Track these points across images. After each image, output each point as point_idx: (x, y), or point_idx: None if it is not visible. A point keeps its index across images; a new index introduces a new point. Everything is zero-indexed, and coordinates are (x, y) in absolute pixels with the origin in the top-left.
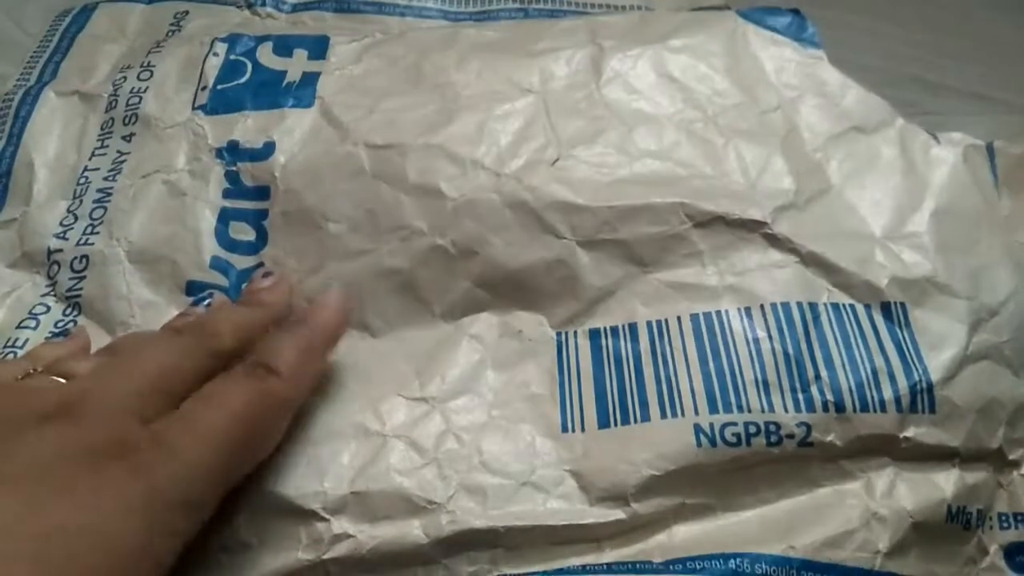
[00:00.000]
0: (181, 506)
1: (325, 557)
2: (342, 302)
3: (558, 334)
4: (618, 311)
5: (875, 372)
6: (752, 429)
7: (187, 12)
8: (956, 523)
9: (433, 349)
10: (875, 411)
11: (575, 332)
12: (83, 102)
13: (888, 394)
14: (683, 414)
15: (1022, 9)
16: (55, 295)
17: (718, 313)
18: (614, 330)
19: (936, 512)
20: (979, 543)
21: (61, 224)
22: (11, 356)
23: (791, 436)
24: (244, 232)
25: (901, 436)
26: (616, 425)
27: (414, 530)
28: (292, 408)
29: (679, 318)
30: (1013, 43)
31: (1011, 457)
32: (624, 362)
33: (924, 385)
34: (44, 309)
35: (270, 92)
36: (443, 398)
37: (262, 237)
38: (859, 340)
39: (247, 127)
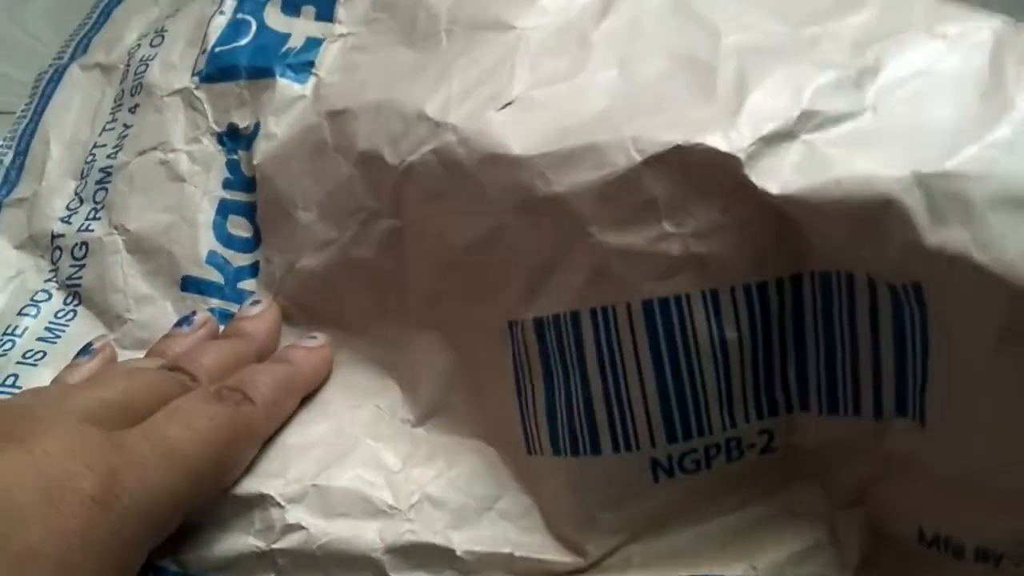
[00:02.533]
0: (144, 538)
1: (274, 547)
2: (328, 352)
3: (511, 327)
4: (560, 293)
5: (856, 369)
6: (712, 451)
7: None
8: (937, 549)
9: (413, 358)
10: (846, 414)
11: (521, 324)
12: (103, 75)
13: (867, 397)
14: (638, 448)
15: (1022, 9)
16: (56, 282)
17: (677, 300)
18: (556, 321)
19: (904, 531)
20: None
21: (67, 208)
22: (9, 344)
23: (752, 446)
24: (242, 228)
25: (875, 442)
26: (566, 455)
27: (370, 532)
28: (259, 440)
29: (628, 306)
30: None
31: None
32: (570, 370)
33: (916, 391)
34: (46, 296)
35: (267, 57)
36: (420, 417)
37: (258, 234)
38: (846, 327)
39: (243, 109)
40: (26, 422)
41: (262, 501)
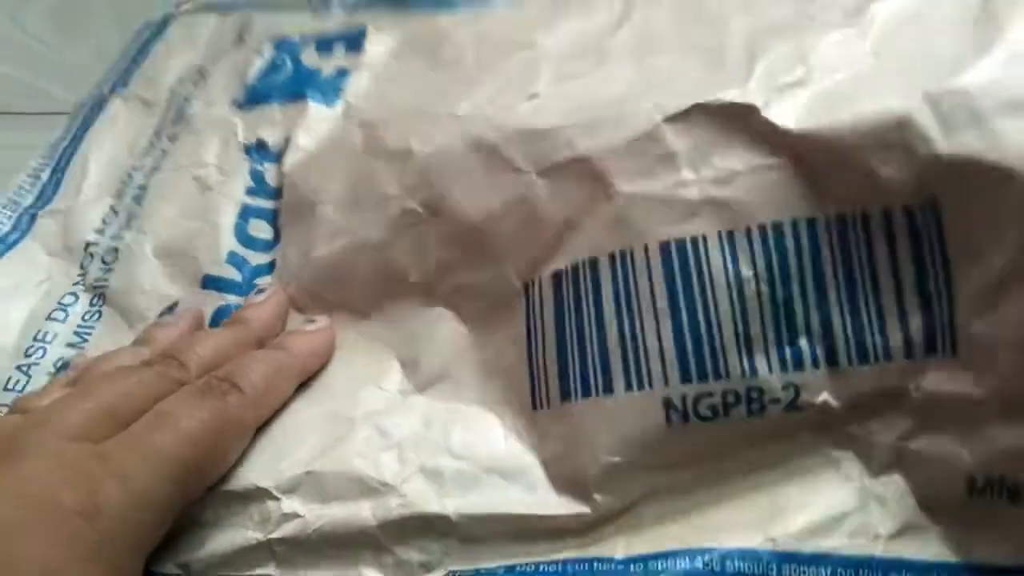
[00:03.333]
0: (133, 544)
1: (272, 536)
2: (328, 335)
3: (525, 286)
4: (581, 244)
5: (880, 309)
6: (731, 398)
7: (251, 22)
8: (991, 496)
9: (414, 331)
10: (878, 360)
11: (539, 280)
12: (143, 108)
13: (895, 338)
14: (651, 385)
15: None
16: (83, 285)
17: (694, 241)
18: (575, 270)
19: (952, 487)
20: None
21: (103, 221)
22: (40, 352)
23: (776, 401)
24: (262, 230)
25: (911, 387)
26: (577, 398)
27: (363, 512)
28: (248, 432)
29: (646, 247)
30: None
31: None
32: (585, 314)
33: (945, 319)
34: (73, 299)
35: (300, 84)
36: (420, 387)
37: (277, 235)
38: (866, 266)
39: (275, 128)
40: (11, 446)
41: (259, 494)
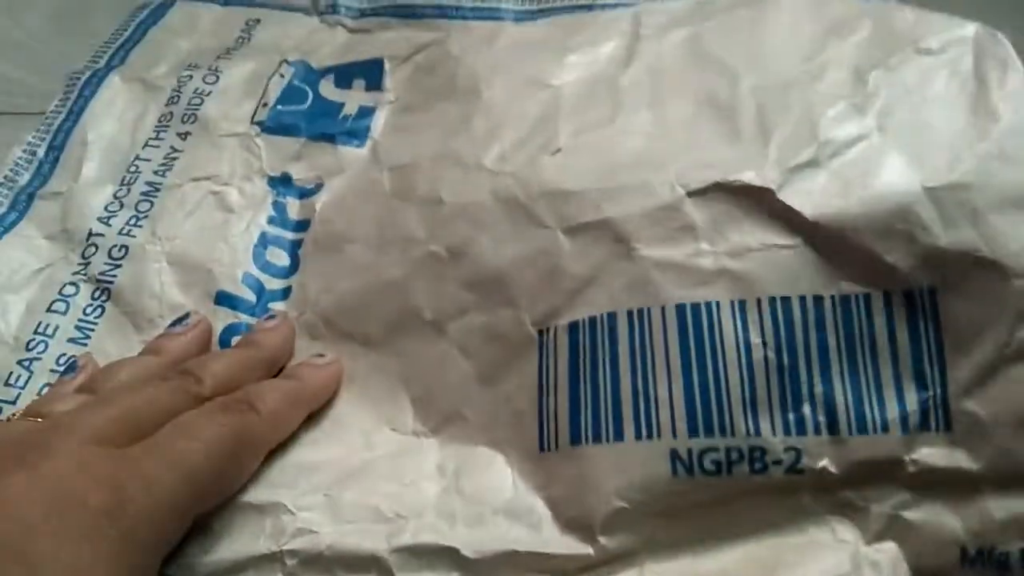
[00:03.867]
0: (153, 547)
1: (284, 548)
2: (337, 369)
3: (540, 333)
4: (599, 299)
5: (879, 384)
6: (735, 455)
7: (259, 20)
8: (983, 566)
9: (426, 366)
10: (876, 432)
11: (555, 329)
12: (146, 91)
13: (892, 412)
14: (659, 436)
15: (1022, 9)
16: (85, 276)
17: (708, 305)
18: (592, 322)
19: (944, 557)
20: None
21: (106, 209)
22: (42, 346)
23: (778, 463)
24: (279, 257)
25: (907, 460)
26: (588, 443)
27: (376, 536)
28: (263, 450)
29: (663, 308)
30: (1012, 43)
31: None
32: (600, 364)
33: (939, 398)
34: (74, 290)
35: (326, 123)
36: (432, 430)
37: (295, 264)
38: (866, 343)
39: (302, 165)
40: (36, 450)
41: (274, 509)
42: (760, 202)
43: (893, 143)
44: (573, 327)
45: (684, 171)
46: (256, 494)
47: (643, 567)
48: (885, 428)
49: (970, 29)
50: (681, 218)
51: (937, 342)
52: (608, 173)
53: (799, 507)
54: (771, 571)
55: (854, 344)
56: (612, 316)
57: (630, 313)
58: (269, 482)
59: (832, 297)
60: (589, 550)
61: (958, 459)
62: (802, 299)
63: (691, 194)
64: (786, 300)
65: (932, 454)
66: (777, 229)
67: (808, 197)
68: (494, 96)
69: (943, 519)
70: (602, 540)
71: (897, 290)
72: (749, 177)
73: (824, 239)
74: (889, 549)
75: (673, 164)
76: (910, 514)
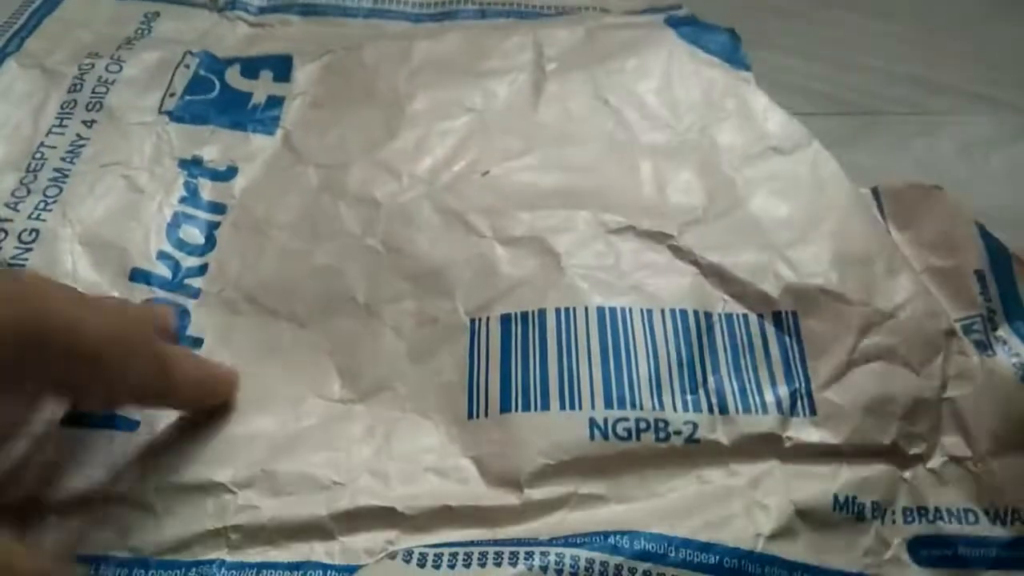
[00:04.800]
0: None
1: (227, 524)
2: (234, 381)
3: (472, 321)
4: (531, 297)
5: (758, 379)
6: (642, 424)
7: (158, 13)
8: (845, 512)
9: (356, 342)
10: (757, 413)
11: (487, 318)
12: (45, 77)
13: (770, 398)
14: (580, 407)
15: (1022, 9)
16: None
17: (623, 310)
18: (524, 316)
19: (820, 500)
20: (879, 535)
21: (13, 195)
22: None
23: (678, 433)
24: (193, 236)
25: (784, 436)
26: (517, 411)
27: (316, 503)
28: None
29: (587, 308)
30: (1013, 43)
31: (912, 452)
32: (531, 349)
33: (804, 390)
34: None
35: (236, 112)
36: (360, 398)
37: (211, 243)
38: (747, 348)
39: (212, 148)
40: None
41: (215, 488)
42: (662, 242)
43: (759, 212)
44: (506, 318)
45: (599, 213)
46: (194, 473)
47: (564, 520)
48: (765, 410)
49: (812, 142)
50: (602, 245)
51: (800, 351)
52: (536, 199)
53: (696, 471)
54: (677, 514)
55: (738, 349)
56: (543, 312)
57: (558, 310)
58: (205, 460)
59: (719, 315)
60: (516, 501)
61: (824, 436)
62: (695, 313)
63: (609, 232)
64: (683, 312)
65: (802, 432)
66: (676, 262)
67: (700, 241)
68: (417, 111)
69: (817, 476)
70: (528, 491)
71: (768, 312)
72: (654, 225)
73: (714, 273)
74: (775, 495)
75: (591, 204)
76: (790, 471)
